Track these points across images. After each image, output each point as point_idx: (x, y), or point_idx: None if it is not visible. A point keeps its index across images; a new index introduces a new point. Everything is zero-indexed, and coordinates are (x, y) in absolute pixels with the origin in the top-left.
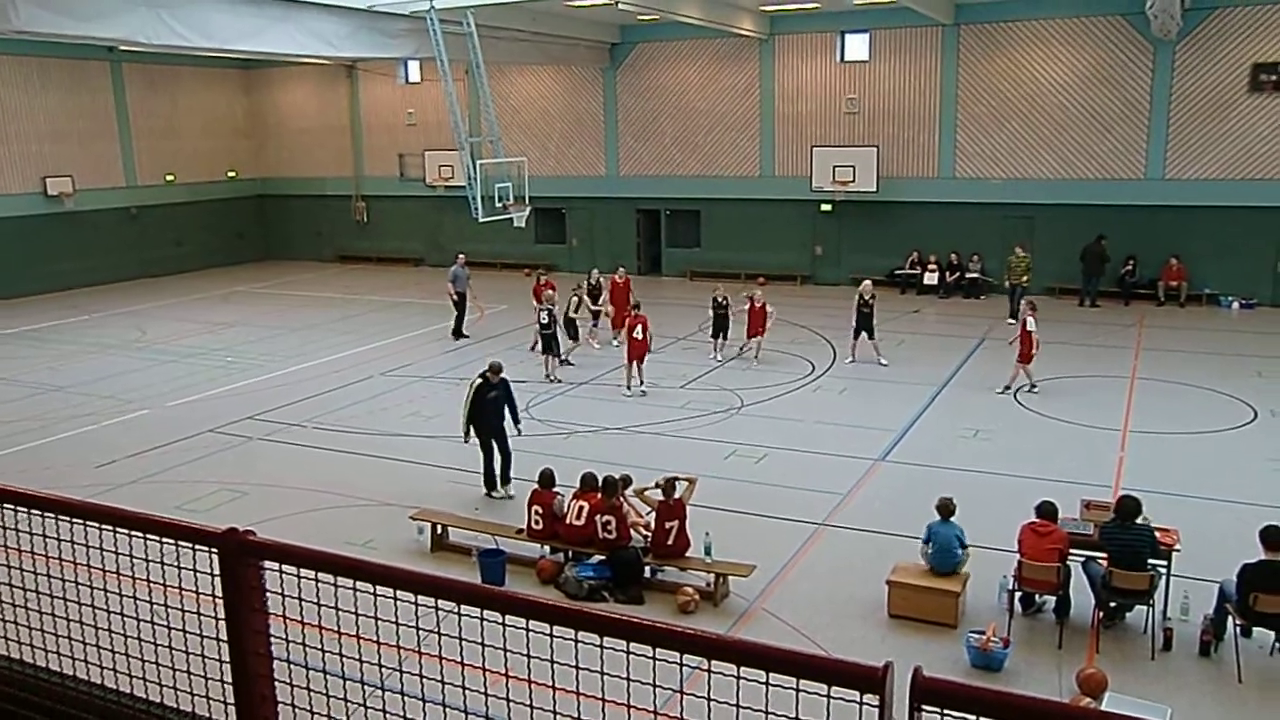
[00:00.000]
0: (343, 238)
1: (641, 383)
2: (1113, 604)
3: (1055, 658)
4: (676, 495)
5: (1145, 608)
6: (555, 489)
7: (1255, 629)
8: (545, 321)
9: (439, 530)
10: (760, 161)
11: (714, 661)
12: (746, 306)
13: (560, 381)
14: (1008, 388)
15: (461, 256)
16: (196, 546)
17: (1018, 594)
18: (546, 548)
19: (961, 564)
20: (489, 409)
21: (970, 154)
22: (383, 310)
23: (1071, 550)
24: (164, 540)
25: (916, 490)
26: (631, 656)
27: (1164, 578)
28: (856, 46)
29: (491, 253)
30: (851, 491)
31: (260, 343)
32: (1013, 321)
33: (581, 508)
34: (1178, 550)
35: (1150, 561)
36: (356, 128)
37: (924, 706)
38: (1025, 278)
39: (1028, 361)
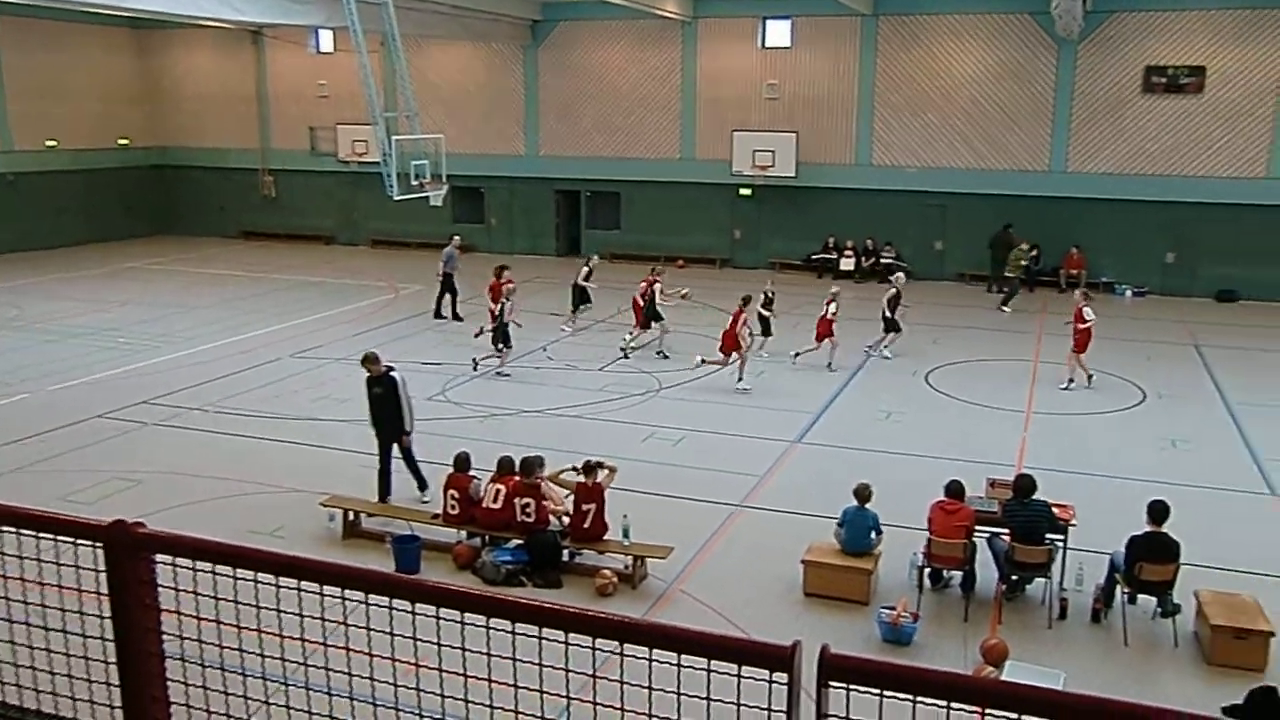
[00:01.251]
0: (248, 213)
1: (741, 379)
2: (1014, 577)
3: (961, 630)
4: (597, 479)
5: (1044, 580)
6: (472, 472)
7: (1140, 596)
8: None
9: (351, 517)
10: (681, 145)
11: (627, 645)
12: (822, 312)
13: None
14: (1072, 381)
15: (456, 238)
16: (79, 541)
17: (927, 570)
18: (463, 532)
19: (874, 547)
20: (375, 406)
21: (887, 142)
22: (292, 289)
23: (977, 527)
24: (41, 535)
25: (832, 471)
26: (545, 642)
27: (1061, 551)
28: (778, 33)
29: (405, 232)
30: (768, 473)
31: (156, 322)
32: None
33: (499, 491)
34: (1074, 525)
35: (1048, 536)
36: (263, 97)
37: (831, 682)
38: (1025, 267)
39: (1082, 351)
